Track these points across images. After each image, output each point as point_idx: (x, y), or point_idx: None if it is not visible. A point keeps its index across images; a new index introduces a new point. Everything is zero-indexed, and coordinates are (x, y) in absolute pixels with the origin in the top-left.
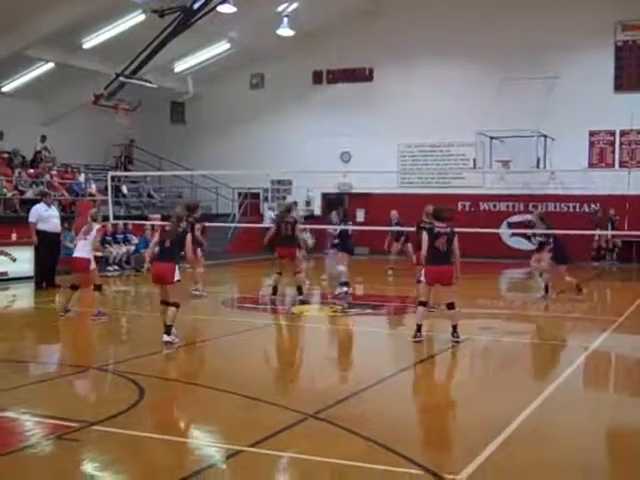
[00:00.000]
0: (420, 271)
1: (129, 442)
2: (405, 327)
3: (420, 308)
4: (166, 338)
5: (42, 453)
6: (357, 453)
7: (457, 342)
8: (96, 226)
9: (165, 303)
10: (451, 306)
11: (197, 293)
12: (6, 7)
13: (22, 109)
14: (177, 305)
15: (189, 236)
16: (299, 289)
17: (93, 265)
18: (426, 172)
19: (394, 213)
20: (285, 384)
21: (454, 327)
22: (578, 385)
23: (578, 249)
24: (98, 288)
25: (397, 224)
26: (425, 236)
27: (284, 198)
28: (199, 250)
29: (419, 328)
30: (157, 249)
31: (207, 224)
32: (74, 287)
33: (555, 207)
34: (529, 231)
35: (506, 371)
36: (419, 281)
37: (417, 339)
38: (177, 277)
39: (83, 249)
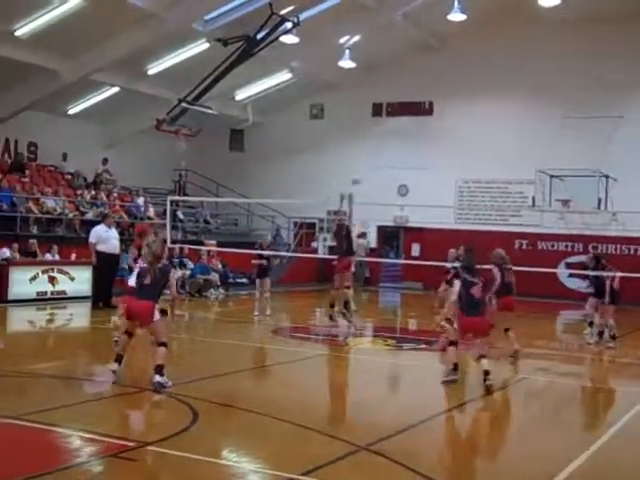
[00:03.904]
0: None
1: (183, 464)
2: (461, 364)
3: (451, 348)
4: (157, 379)
5: (98, 470)
6: None
7: (491, 385)
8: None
9: (129, 334)
10: (482, 357)
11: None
12: (76, 33)
13: (86, 132)
14: (166, 345)
15: (173, 272)
16: (346, 304)
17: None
18: (483, 209)
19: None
20: (337, 415)
21: (486, 372)
22: (636, 433)
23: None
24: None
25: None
26: (457, 284)
27: None
28: None
29: (455, 367)
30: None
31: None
32: None
33: (616, 249)
34: (588, 272)
35: (561, 414)
36: (448, 319)
37: (450, 378)
38: (156, 317)
39: None
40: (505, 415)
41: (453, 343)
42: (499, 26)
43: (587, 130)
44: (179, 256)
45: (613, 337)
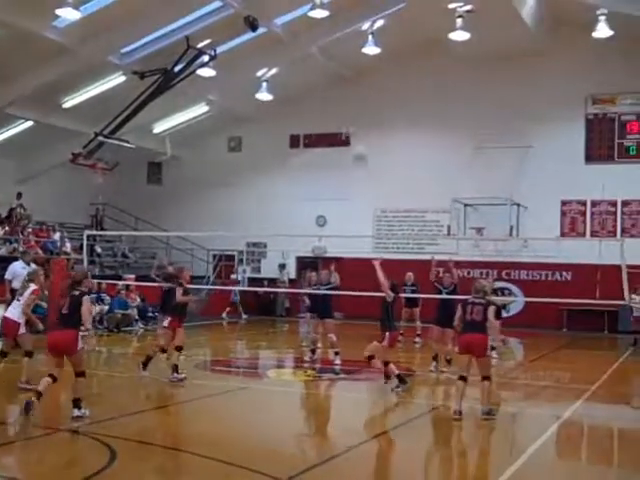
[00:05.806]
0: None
1: None
2: (378, 393)
3: (391, 366)
4: (76, 412)
5: None
6: None
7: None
8: (32, 287)
9: (53, 377)
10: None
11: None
12: None
13: None
14: (84, 375)
15: (85, 300)
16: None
17: (22, 329)
18: (401, 237)
19: (410, 275)
20: (258, 449)
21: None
22: (550, 456)
23: (550, 317)
24: (28, 354)
25: (413, 287)
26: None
27: (259, 261)
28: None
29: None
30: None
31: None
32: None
33: (527, 275)
34: (507, 299)
35: (475, 441)
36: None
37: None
38: (80, 345)
39: (13, 310)
40: (417, 447)
41: (388, 362)
42: (413, 59)
43: (498, 160)
44: (97, 291)
45: (449, 361)
